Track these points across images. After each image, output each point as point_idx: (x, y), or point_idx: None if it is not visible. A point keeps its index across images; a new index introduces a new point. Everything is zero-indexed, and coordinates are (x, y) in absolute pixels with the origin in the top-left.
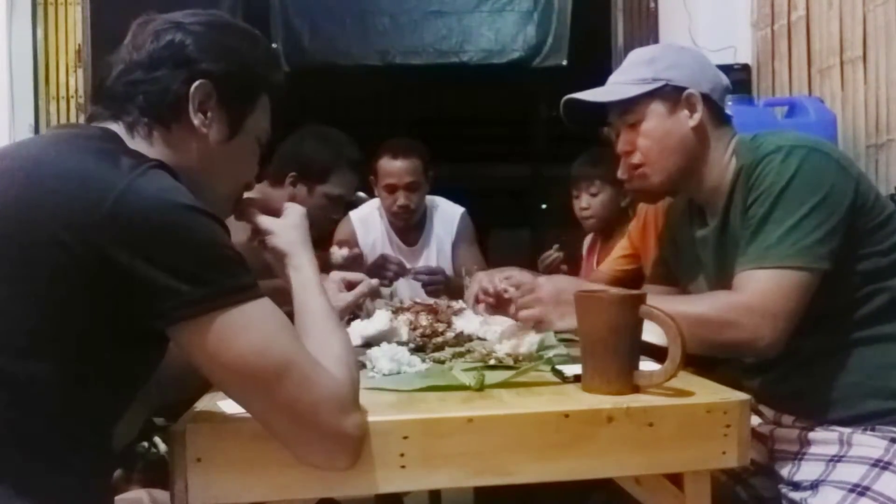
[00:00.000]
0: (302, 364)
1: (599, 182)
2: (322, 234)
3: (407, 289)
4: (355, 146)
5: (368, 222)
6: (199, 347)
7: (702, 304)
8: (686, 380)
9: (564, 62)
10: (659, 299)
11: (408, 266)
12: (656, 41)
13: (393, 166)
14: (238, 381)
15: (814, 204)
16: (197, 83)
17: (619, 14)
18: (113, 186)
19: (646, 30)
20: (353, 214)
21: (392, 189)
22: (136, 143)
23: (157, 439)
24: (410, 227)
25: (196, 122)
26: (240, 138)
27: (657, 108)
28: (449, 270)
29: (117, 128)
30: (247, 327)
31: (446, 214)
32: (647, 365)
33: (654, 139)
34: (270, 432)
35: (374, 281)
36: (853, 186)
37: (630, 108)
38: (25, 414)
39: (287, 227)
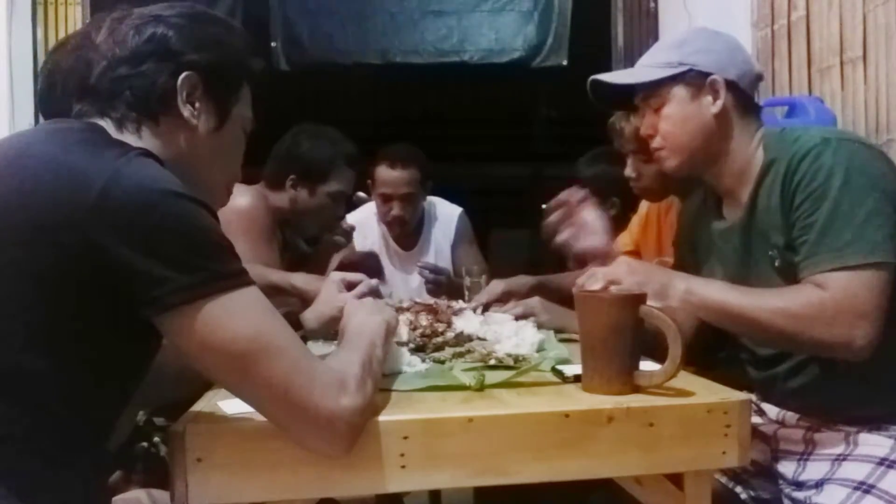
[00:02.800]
0: (292, 349)
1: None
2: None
3: (404, 289)
4: (350, 141)
5: (365, 227)
6: (188, 335)
7: (790, 299)
8: (686, 380)
9: (564, 62)
10: (743, 292)
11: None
12: (656, 41)
13: (390, 176)
14: (228, 366)
15: (876, 198)
16: (184, 75)
17: (619, 14)
18: (99, 175)
19: (646, 30)
20: (350, 218)
21: (387, 199)
22: (125, 138)
23: (157, 439)
24: (407, 231)
25: (185, 113)
26: (227, 127)
27: (679, 93)
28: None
29: (105, 123)
30: (235, 314)
31: (444, 215)
32: (647, 365)
33: (673, 123)
34: (266, 416)
35: (374, 281)
36: (894, 178)
37: (654, 91)
38: (21, 412)
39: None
